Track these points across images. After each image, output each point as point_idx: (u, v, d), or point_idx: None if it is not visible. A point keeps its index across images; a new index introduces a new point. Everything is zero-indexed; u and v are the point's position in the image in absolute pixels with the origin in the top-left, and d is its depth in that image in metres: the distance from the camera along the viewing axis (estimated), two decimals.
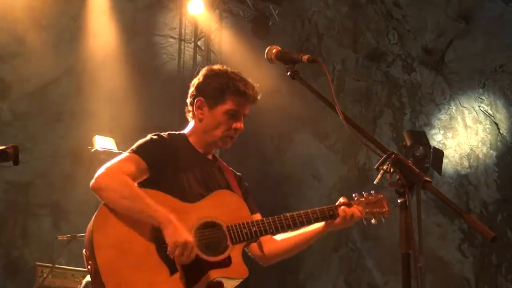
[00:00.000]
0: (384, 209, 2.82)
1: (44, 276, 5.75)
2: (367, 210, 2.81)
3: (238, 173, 2.92)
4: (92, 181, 2.52)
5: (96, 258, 2.33)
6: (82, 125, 7.31)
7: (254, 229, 2.59)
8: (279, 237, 2.82)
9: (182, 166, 2.64)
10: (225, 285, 2.52)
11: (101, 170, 2.53)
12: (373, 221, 2.83)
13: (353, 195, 2.85)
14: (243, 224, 2.58)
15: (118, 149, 7.14)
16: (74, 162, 7.38)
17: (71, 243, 5.68)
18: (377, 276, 8.00)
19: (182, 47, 8.99)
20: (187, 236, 2.39)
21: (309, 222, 2.70)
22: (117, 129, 7.15)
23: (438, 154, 6.21)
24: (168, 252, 2.39)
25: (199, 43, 9.03)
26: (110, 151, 7.22)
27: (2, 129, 7.09)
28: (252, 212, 2.73)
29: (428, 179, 1.76)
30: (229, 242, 2.52)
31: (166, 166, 2.60)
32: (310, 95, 2.23)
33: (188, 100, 2.78)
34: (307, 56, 2.27)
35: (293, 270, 8.25)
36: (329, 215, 2.73)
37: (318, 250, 7.84)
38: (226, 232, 2.54)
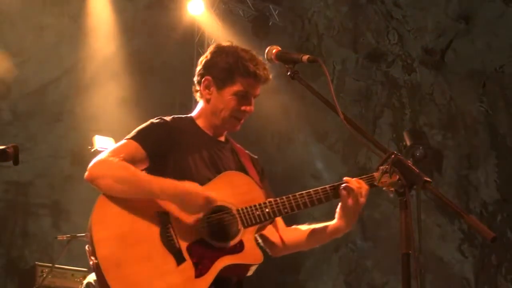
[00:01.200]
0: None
1: (44, 276, 5.76)
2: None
3: (254, 156, 2.74)
4: (86, 172, 2.34)
5: (96, 252, 2.19)
6: (82, 125, 7.31)
7: (267, 210, 2.39)
8: (292, 228, 2.65)
9: (187, 149, 2.46)
10: (242, 271, 2.35)
11: (94, 160, 2.36)
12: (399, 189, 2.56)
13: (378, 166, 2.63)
14: (255, 206, 2.38)
15: None
16: (74, 162, 7.39)
17: (71, 243, 5.68)
18: (377, 276, 8.00)
19: (182, 47, 8.99)
20: (192, 210, 2.25)
21: (327, 198, 2.43)
22: (117, 129, 7.14)
23: (438, 155, 6.21)
24: (170, 233, 2.24)
25: (199, 43, 9.03)
26: None
27: (2, 129, 7.09)
28: (268, 197, 2.49)
29: (428, 179, 1.76)
30: (240, 226, 2.33)
31: (169, 152, 2.42)
32: (310, 95, 2.23)
33: (196, 79, 2.64)
34: (307, 56, 2.27)
35: (293, 270, 8.24)
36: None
37: (318, 250, 7.82)
38: (237, 216, 2.35)
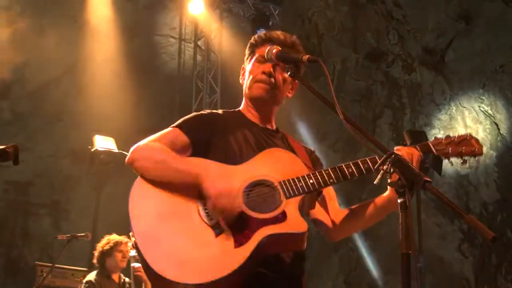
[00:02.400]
0: (474, 148, 2.47)
1: (44, 275, 5.77)
2: (450, 149, 2.47)
3: (310, 148, 2.69)
4: (128, 156, 2.33)
5: (133, 229, 2.16)
6: (82, 124, 7.31)
7: (311, 181, 2.29)
8: (346, 209, 2.58)
9: (232, 134, 2.42)
10: (288, 243, 2.23)
11: (136, 144, 2.35)
12: (461, 162, 2.49)
13: (434, 138, 2.53)
14: (298, 178, 2.29)
15: (118, 149, 7.15)
16: (74, 161, 7.38)
17: (71, 243, 5.69)
18: (377, 276, 8.00)
19: (182, 47, 9.00)
20: (230, 184, 2.17)
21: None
22: (117, 129, 7.15)
23: (438, 156, 6.20)
24: (208, 208, 2.18)
25: (199, 43, 9.03)
26: (110, 150, 7.23)
27: (2, 128, 7.09)
28: None
29: (428, 179, 1.76)
30: (282, 197, 2.24)
31: (212, 138, 2.39)
32: (310, 95, 2.23)
33: None
34: (307, 56, 2.27)
35: None
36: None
37: (318, 250, 7.84)
38: (279, 188, 2.25)
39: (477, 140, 2.51)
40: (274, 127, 2.64)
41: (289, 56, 2.35)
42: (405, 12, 8.78)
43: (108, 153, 7.15)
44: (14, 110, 7.36)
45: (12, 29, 7.28)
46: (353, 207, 2.58)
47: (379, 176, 1.90)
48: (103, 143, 7.23)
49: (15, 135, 7.02)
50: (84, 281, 5.79)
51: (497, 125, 8.46)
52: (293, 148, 2.56)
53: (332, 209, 2.59)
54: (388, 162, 1.84)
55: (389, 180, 1.90)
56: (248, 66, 2.59)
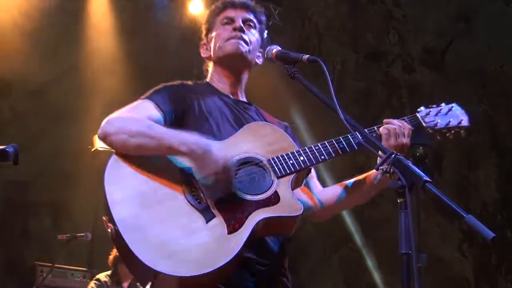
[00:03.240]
0: (459, 119, 2.40)
1: (44, 275, 5.76)
2: (438, 121, 2.39)
3: (284, 122, 2.57)
4: (99, 130, 2.16)
5: (113, 216, 1.94)
6: (83, 124, 7.31)
7: (302, 158, 2.16)
8: (331, 187, 2.47)
9: (207, 109, 2.27)
10: (280, 227, 2.09)
11: (106, 118, 2.19)
12: (448, 135, 2.41)
13: (418, 109, 2.44)
14: (287, 154, 2.16)
15: None
16: (74, 161, 7.38)
17: (71, 243, 5.68)
18: (377, 276, 8.00)
19: (182, 46, 8.99)
20: (223, 159, 2.00)
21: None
22: None
23: (438, 154, 6.21)
24: (197, 191, 2.01)
25: (199, 42, 9.03)
26: (110, 150, 7.24)
27: (2, 128, 7.09)
28: None
29: (428, 179, 1.76)
30: (273, 176, 2.11)
31: (186, 112, 2.25)
32: (310, 95, 2.23)
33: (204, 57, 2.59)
34: (307, 56, 2.27)
35: (293, 269, 8.23)
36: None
37: (318, 250, 7.84)
38: (268, 166, 2.13)
39: (462, 112, 2.44)
40: (245, 98, 2.53)
41: (289, 56, 2.34)
42: (405, 12, 8.78)
43: (108, 153, 7.16)
44: (14, 110, 7.36)
45: (13, 28, 7.29)
46: (338, 185, 2.46)
47: (379, 176, 1.90)
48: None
49: (15, 134, 7.02)
50: (95, 278, 5.75)
51: (497, 125, 8.46)
52: (268, 122, 2.45)
53: (316, 188, 2.49)
54: (388, 162, 1.84)
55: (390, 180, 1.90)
56: (213, 33, 2.51)
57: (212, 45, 2.50)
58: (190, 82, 2.44)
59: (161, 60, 8.36)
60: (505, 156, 8.36)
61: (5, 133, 6.97)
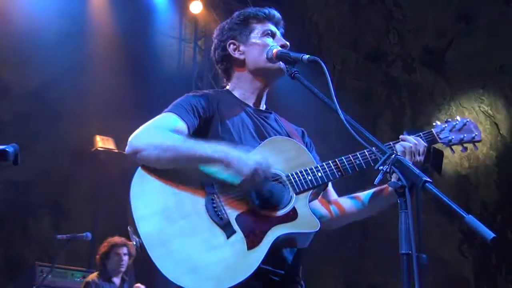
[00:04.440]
0: (473, 134, 2.46)
1: (44, 275, 5.75)
2: (453, 137, 2.44)
3: (300, 128, 2.63)
4: (127, 147, 2.18)
5: (138, 230, 2.02)
6: (82, 124, 7.31)
7: (320, 174, 2.23)
8: (346, 198, 2.52)
9: (230, 119, 2.32)
10: (297, 241, 2.16)
11: (134, 133, 2.20)
12: (461, 150, 2.47)
13: (434, 123, 2.50)
14: (306, 170, 2.22)
15: (118, 149, 7.15)
16: (74, 161, 7.38)
17: (71, 243, 5.68)
18: (377, 276, 8.00)
19: (182, 47, 8.99)
20: (256, 157, 2.07)
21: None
22: (117, 129, 7.14)
23: (438, 155, 6.20)
24: (218, 207, 2.08)
25: (199, 43, 9.02)
26: (110, 150, 7.23)
27: (2, 128, 7.08)
28: None
29: (428, 179, 1.76)
30: (291, 192, 2.18)
31: (209, 123, 2.29)
32: (310, 95, 2.23)
33: (216, 58, 2.55)
34: (307, 56, 2.27)
35: None
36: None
37: (318, 250, 7.84)
38: (287, 182, 2.19)
39: (476, 126, 2.50)
40: (265, 107, 2.55)
41: (289, 56, 2.35)
42: (405, 12, 8.78)
43: (108, 153, 7.16)
44: (14, 110, 7.35)
45: (13, 28, 7.28)
46: (353, 195, 2.51)
47: (379, 176, 1.90)
48: (103, 143, 7.23)
49: (15, 135, 7.02)
50: (84, 281, 5.78)
51: (497, 125, 8.46)
52: (287, 131, 2.50)
53: (332, 197, 2.54)
54: (388, 162, 1.84)
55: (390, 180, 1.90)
56: (251, 38, 2.47)
57: (253, 50, 2.46)
58: (212, 92, 2.46)
59: (161, 61, 8.36)
60: (505, 156, 8.36)
61: (5, 133, 6.97)
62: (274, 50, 2.41)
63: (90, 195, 6.75)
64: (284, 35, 2.63)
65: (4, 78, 7.33)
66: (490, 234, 1.63)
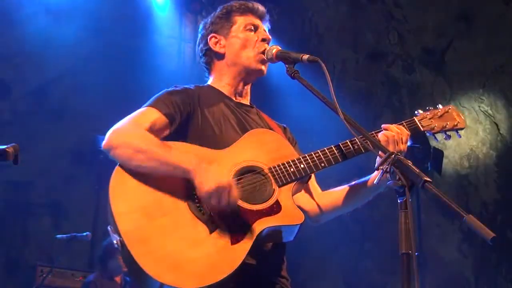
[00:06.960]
0: (456, 121, 2.45)
1: (44, 276, 5.75)
2: (435, 125, 2.45)
3: (282, 124, 2.59)
4: (104, 141, 2.16)
5: (118, 228, 1.97)
6: (83, 124, 7.30)
7: (302, 166, 2.19)
8: (329, 191, 2.49)
9: (210, 113, 2.30)
10: (282, 235, 2.11)
11: (113, 128, 2.19)
12: (445, 138, 2.48)
13: (415, 112, 2.51)
14: (288, 162, 2.18)
15: None
16: (74, 162, 7.38)
17: (71, 243, 5.68)
18: (377, 276, 7.99)
19: (182, 47, 8.99)
20: (223, 176, 2.01)
21: (365, 148, 2.24)
22: None
23: (438, 155, 6.21)
24: (201, 202, 2.03)
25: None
26: None
27: (2, 128, 7.08)
28: None
29: (428, 179, 1.76)
30: (274, 185, 2.14)
31: (190, 117, 2.28)
32: (310, 95, 2.23)
33: (199, 51, 2.55)
34: (307, 56, 2.27)
35: (293, 270, 8.23)
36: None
37: (318, 250, 7.83)
38: (269, 175, 2.15)
39: (458, 114, 2.49)
40: (248, 101, 2.54)
41: (289, 56, 2.34)
42: (405, 12, 8.78)
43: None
44: (14, 110, 7.35)
45: (12, 28, 7.28)
46: (338, 188, 2.48)
47: (379, 176, 1.90)
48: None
49: (15, 135, 7.01)
50: (84, 282, 5.78)
51: (497, 125, 8.46)
52: (269, 125, 2.47)
53: (315, 191, 2.51)
54: (388, 162, 1.84)
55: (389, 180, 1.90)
56: (232, 32, 2.47)
57: (235, 44, 2.46)
58: (192, 87, 2.43)
59: (161, 61, 8.36)
60: (505, 156, 8.36)
61: (5, 133, 6.96)
62: (274, 51, 2.41)
63: (90, 195, 6.74)
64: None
65: (4, 78, 7.32)
66: (490, 234, 1.63)
